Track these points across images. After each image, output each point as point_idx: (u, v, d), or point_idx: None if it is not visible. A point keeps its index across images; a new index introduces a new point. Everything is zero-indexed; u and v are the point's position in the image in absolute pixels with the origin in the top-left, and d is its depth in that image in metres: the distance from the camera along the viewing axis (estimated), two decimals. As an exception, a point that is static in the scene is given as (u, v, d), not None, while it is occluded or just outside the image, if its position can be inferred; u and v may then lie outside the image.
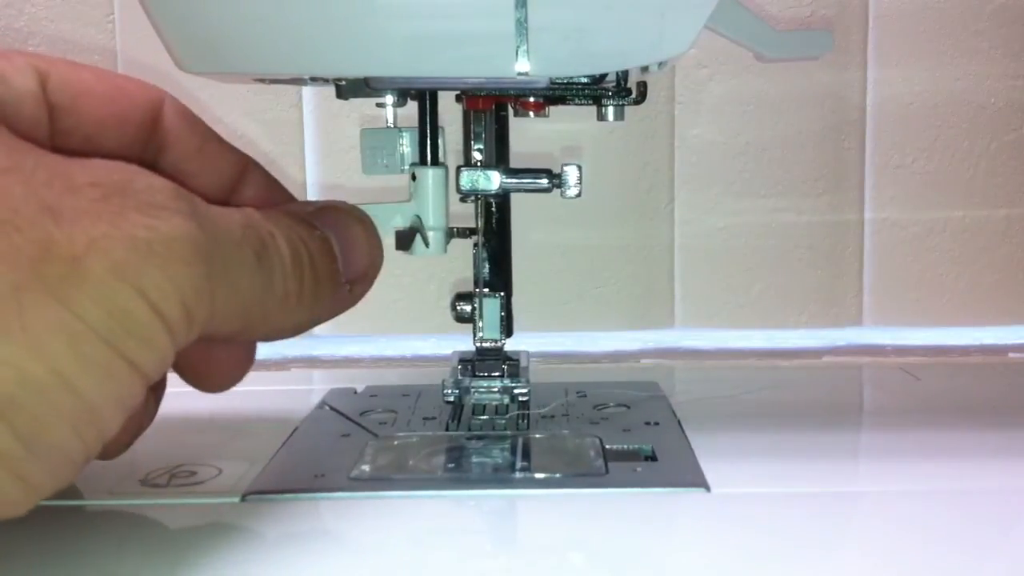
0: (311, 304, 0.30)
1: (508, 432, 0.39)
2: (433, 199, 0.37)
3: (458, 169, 0.38)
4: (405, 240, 0.37)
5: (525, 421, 0.40)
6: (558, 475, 0.35)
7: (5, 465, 0.22)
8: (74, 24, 0.57)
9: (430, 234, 0.37)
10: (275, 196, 0.35)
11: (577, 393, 0.45)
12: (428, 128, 0.38)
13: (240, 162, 0.34)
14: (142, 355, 0.24)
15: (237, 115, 0.57)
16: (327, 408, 0.44)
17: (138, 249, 0.24)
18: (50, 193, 0.24)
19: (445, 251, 0.38)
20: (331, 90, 0.38)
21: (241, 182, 0.34)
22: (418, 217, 0.37)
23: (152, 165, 0.32)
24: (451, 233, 0.39)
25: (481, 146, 0.39)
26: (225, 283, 0.27)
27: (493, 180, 0.38)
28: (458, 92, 0.38)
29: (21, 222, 0.23)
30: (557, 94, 0.37)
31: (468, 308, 0.40)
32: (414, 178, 0.37)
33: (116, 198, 0.24)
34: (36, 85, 0.28)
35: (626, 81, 0.36)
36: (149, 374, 0.25)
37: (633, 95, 0.37)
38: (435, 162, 0.38)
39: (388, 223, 0.36)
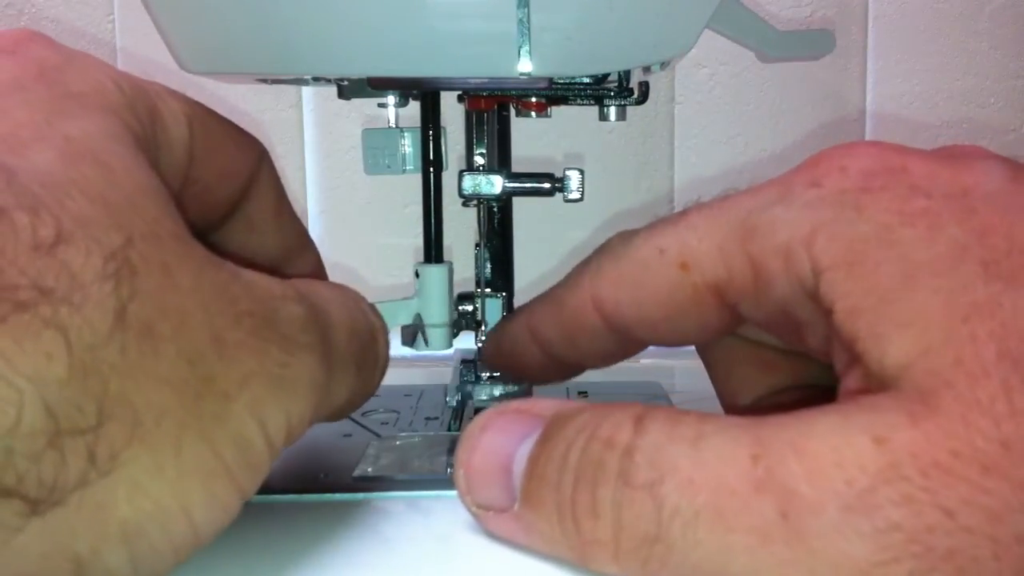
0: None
1: (510, 432, 0.39)
2: (436, 297, 0.37)
3: (460, 173, 0.38)
4: (410, 336, 0.37)
5: (527, 421, 0.40)
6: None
7: None
8: (74, 23, 0.57)
9: (433, 331, 0.37)
10: (320, 275, 0.35)
11: (579, 393, 0.45)
12: (430, 129, 0.38)
13: (304, 236, 0.34)
14: (251, 483, 0.24)
15: (237, 115, 0.57)
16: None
17: (271, 386, 0.24)
18: (218, 321, 0.23)
19: (450, 346, 0.38)
20: (331, 90, 0.38)
21: (299, 256, 0.34)
22: (419, 315, 0.37)
23: (232, 214, 0.32)
24: (459, 325, 0.39)
25: (483, 150, 0.39)
26: (327, 405, 0.28)
27: (495, 185, 0.38)
28: (460, 92, 0.38)
29: (194, 355, 0.23)
30: (559, 94, 0.37)
31: (469, 308, 0.40)
32: (417, 275, 0.38)
33: (264, 331, 0.24)
34: (187, 133, 0.28)
35: (628, 81, 0.36)
36: (249, 496, 0.25)
37: (635, 95, 0.37)
38: (438, 259, 0.38)
39: (393, 320, 0.37)
